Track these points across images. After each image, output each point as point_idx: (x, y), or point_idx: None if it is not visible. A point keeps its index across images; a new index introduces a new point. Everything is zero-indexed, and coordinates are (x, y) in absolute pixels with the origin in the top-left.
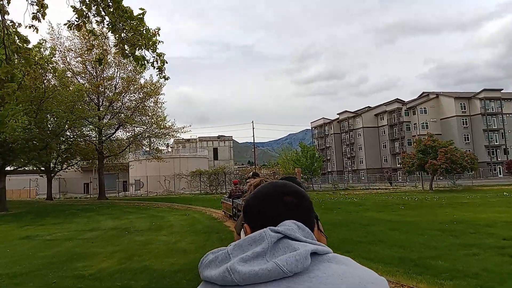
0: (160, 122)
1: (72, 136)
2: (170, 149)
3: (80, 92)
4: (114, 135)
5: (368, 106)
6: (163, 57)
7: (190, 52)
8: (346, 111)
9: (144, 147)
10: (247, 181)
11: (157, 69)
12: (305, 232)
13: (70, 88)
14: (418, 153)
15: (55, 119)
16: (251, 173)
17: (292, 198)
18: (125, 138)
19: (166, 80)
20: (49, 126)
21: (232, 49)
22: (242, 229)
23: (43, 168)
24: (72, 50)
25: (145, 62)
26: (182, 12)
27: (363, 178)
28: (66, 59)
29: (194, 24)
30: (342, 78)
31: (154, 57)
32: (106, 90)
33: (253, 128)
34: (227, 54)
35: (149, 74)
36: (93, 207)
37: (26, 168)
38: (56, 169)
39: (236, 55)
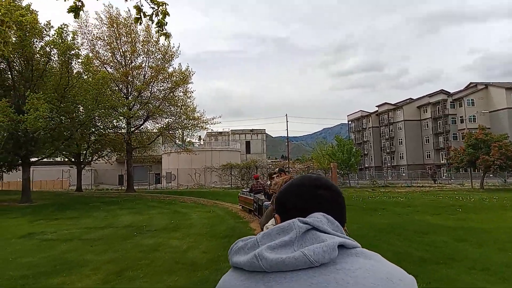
0: (190, 113)
1: (102, 127)
2: (202, 142)
3: (105, 79)
4: (143, 126)
5: (410, 98)
6: (165, 8)
7: (226, 46)
8: (386, 103)
9: (176, 139)
10: (272, 176)
11: (156, 24)
12: (334, 225)
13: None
14: (468, 147)
15: (83, 108)
16: (277, 168)
17: (325, 191)
18: (154, 130)
19: (167, 39)
20: (77, 116)
21: (267, 42)
22: (268, 222)
23: (73, 160)
24: (100, 39)
25: (141, 14)
26: (217, 7)
27: (404, 174)
28: (95, 48)
29: (230, 17)
30: (381, 70)
31: (152, 7)
32: (134, 79)
33: (287, 122)
34: (262, 48)
35: (178, 62)
36: (118, 200)
37: (57, 159)
38: (86, 160)
39: (271, 48)
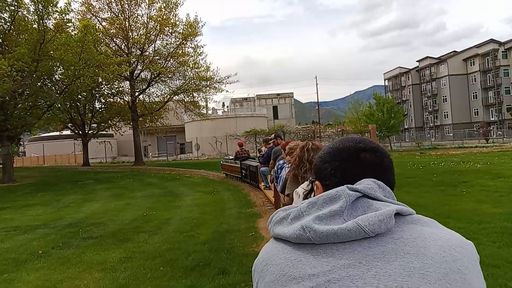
0: (202, 73)
1: (106, 92)
2: (226, 109)
3: (89, 29)
4: (150, 90)
5: (454, 51)
6: None
7: (252, 11)
8: (428, 57)
9: (189, 105)
10: (269, 142)
11: None
12: (386, 191)
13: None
14: None
15: (64, 69)
16: (273, 134)
17: (370, 154)
18: (164, 94)
19: None
20: (60, 78)
21: (295, 4)
22: (295, 191)
23: (76, 131)
24: None
25: None
26: None
27: (450, 134)
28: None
29: None
30: (416, 27)
31: None
32: (133, 33)
33: (316, 84)
34: (290, 10)
35: (185, 12)
36: (116, 176)
37: (66, 132)
38: (92, 132)
39: (299, 10)
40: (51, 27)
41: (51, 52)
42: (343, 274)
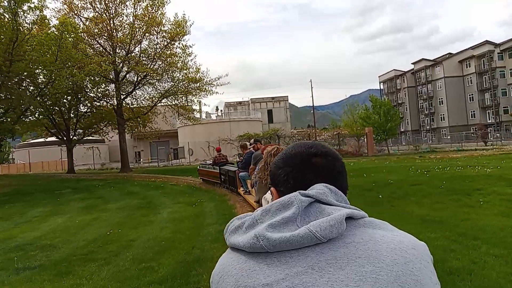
0: (191, 75)
1: (92, 95)
2: (219, 113)
3: (66, 26)
4: (136, 93)
5: (449, 53)
6: None
7: (246, 16)
8: (423, 59)
9: (178, 109)
10: (249, 148)
11: None
12: (338, 195)
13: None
14: None
15: (40, 70)
16: (252, 139)
17: (321, 159)
18: (149, 96)
19: None
20: (36, 80)
21: (288, 9)
22: (266, 194)
23: (59, 137)
24: None
25: None
26: None
27: (448, 137)
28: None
29: None
30: (410, 31)
31: None
32: (118, 32)
33: (311, 88)
34: (283, 15)
35: (173, 11)
36: (97, 184)
37: (51, 139)
38: (76, 138)
39: (293, 15)
40: (26, 25)
41: (26, 52)
42: (297, 282)
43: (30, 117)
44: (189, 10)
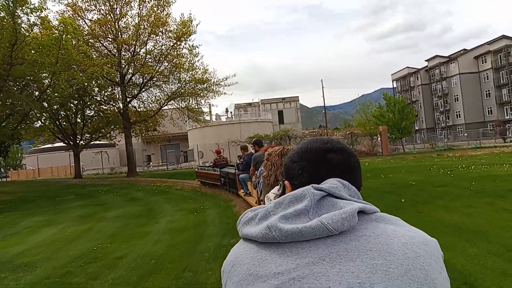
0: (199, 76)
1: (98, 99)
2: (229, 115)
3: (66, 26)
4: (142, 95)
5: (464, 49)
6: None
7: (257, 18)
8: (437, 56)
9: (186, 111)
10: (251, 150)
11: None
12: (351, 190)
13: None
14: None
15: (39, 71)
16: (254, 140)
17: (337, 155)
18: (155, 99)
19: None
20: (38, 84)
21: (299, 10)
22: (269, 192)
23: (66, 142)
24: None
25: None
26: None
27: (465, 134)
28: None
29: None
30: (423, 29)
31: None
32: (122, 34)
33: (323, 88)
34: (295, 17)
35: (180, 13)
36: (103, 189)
37: (58, 144)
38: (82, 143)
39: (303, 16)
40: (25, 26)
41: (26, 54)
42: (307, 272)
43: (36, 122)
44: (199, 14)
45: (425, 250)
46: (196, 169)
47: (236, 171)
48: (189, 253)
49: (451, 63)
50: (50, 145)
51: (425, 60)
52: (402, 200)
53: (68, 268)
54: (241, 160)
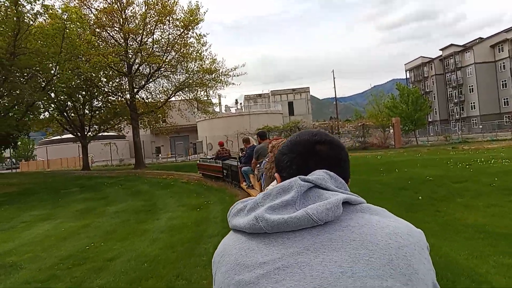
0: (207, 66)
1: (106, 90)
2: (239, 106)
3: (70, 14)
4: (150, 86)
5: (480, 38)
6: None
7: (266, 9)
8: (452, 45)
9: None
10: (252, 142)
11: None
12: (338, 182)
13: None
14: None
15: (34, 59)
16: (258, 131)
17: (325, 147)
18: (162, 89)
19: None
20: (43, 74)
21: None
22: (269, 185)
23: (75, 133)
24: None
25: None
26: None
27: (480, 126)
28: None
29: None
30: (436, 18)
31: None
32: (129, 23)
33: (334, 78)
34: (304, 6)
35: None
36: (108, 181)
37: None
38: (90, 134)
39: (313, 5)
40: (29, 15)
41: (30, 44)
42: (292, 261)
43: (43, 114)
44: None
45: (409, 241)
46: (198, 161)
47: (239, 163)
48: (186, 256)
49: (466, 52)
50: (59, 137)
51: (440, 49)
52: (420, 197)
53: (54, 270)
54: (244, 152)
